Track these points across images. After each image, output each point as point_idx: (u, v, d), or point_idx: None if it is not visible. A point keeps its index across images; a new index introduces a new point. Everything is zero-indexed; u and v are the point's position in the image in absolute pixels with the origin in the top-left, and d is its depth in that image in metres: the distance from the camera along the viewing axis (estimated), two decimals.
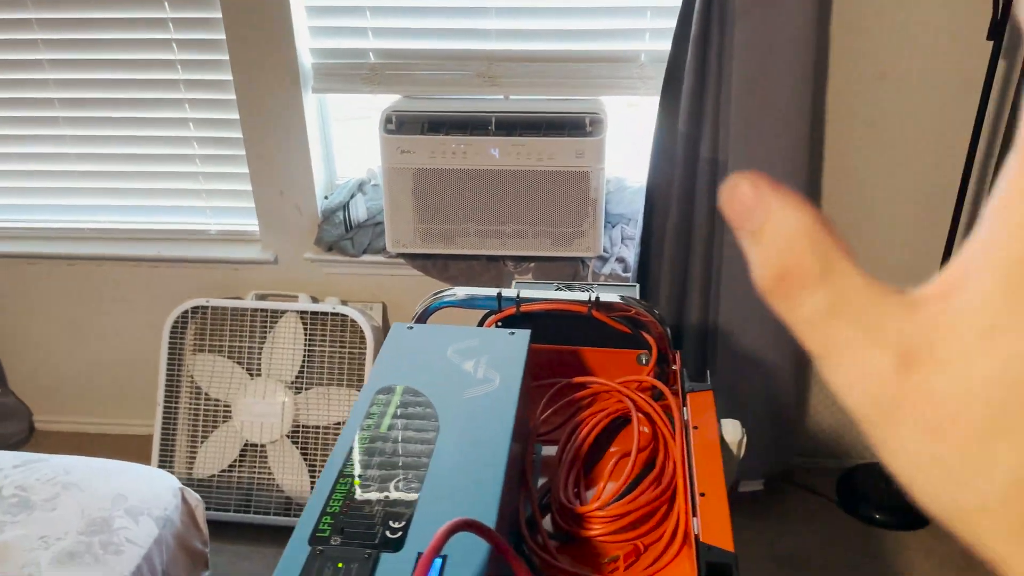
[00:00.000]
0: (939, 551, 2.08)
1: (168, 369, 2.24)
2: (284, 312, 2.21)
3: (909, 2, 1.79)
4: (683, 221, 1.91)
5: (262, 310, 2.22)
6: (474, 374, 1.03)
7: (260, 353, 2.22)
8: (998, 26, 1.61)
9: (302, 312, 2.20)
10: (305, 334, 2.19)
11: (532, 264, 2.08)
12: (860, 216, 2.02)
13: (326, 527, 0.78)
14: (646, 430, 1.15)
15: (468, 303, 1.29)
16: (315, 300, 2.26)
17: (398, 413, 0.95)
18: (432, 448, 0.89)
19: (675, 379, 1.24)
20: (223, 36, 2.01)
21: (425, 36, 1.98)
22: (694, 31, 1.72)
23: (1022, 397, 0.17)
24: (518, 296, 1.26)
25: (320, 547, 0.76)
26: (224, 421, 2.23)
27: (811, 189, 2.00)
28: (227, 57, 2.03)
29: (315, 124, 2.13)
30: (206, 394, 2.24)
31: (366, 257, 2.15)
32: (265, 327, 2.23)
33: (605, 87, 1.97)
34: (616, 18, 1.92)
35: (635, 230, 2.03)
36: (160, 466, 2.24)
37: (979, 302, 0.18)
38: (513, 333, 1.11)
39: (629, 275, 2.01)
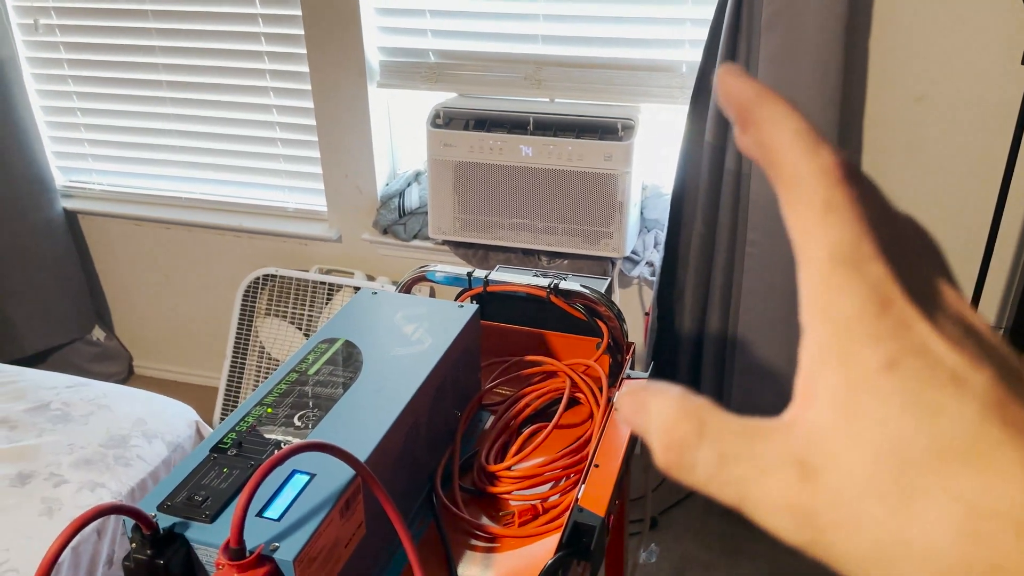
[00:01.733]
0: None
1: (238, 329, 2.49)
2: (341, 287, 2.41)
3: (945, 26, 1.76)
4: (707, 231, 1.95)
5: (322, 283, 2.43)
6: (410, 336, 1.15)
7: (318, 322, 2.43)
8: None
9: (356, 288, 2.38)
10: None
11: (566, 261, 2.17)
12: None
13: (228, 440, 0.92)
14: (584, 408, 1.23)
15: (445, 280, 1.41)
16: (370, 278, 2.44)
17: (329, 360, 1.08)
18: (344, 393, 1.02)
19: (623, 368, 1.31)
20: (302, 31, 2.22)
21: (479, 38, 2.12)
22: (722, 42, 1.76)
23: (899, 463, 0.19)
24: (486, 277, 1.37)
25: (216, 454, 0.90)
26: None
27: None
28: (305, 51, 2.24)
29: (380, 116, 2.31)
30: (268, 354, 2.47)
31: (416, 242, 2.31)
32: (324, 298, 2.43)
33: (645, 95, 2.03)
34: (657, 27, 1.98)
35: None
36: (223, 416, 2.49)
37: (830, 402, 0.20)
38: (461, 306, 1.22)
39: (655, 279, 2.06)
